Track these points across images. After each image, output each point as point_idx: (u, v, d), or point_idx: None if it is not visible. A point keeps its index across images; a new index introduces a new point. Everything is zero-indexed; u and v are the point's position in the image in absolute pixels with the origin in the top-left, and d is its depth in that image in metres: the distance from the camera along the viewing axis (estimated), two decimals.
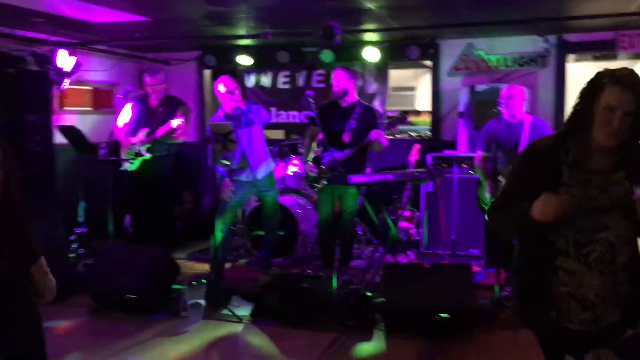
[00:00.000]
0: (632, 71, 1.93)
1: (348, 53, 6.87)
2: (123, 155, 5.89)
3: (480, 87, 6.44)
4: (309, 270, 5.38)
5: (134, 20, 5.42)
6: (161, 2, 4.84)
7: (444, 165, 6.12)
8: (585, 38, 6.35)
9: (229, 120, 5.05)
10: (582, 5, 5.02)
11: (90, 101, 7.05)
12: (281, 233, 5.72)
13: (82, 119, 6.77)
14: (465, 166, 6.14)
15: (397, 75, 8.86)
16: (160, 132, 5.57)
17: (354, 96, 5.23)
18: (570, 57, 6.63)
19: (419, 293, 4.25)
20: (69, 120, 6.52)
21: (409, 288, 4.28)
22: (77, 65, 6.01)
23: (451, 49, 6.76)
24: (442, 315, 4.11)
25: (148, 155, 5.76)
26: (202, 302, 4.54)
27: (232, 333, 4.30)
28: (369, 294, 4.47)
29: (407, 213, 6.22)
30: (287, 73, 7.45)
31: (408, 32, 6.06)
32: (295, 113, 7.42)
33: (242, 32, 5.72)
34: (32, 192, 5.01)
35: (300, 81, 7.38)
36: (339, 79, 5.13)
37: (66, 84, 6.07)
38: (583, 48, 6.54)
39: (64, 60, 5.86)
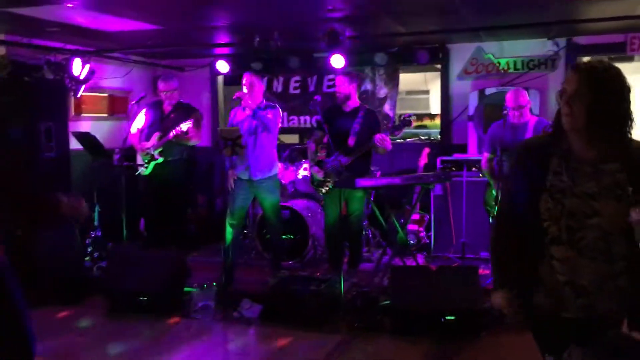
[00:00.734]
0: (601, 62, 1.95)
1: (358, 58, 6.93)
2: (139, 160, 6.01)
3: (490, 91, 6.46)
4: (318, 273, 5.44)
5: (147, 28, 5.54)
6: (174, 11, 4.95)
7: (453, 168, 6.14)
8: (595, 40, 6.34)
9: (239, 124, 5.16)
10: (591, 8, 5.03)
11: (105, 107, 7.19)
12: (291, 237, 5.79)
13: (98, 125, 6.92)
14: (475, 169, 6.15)
15: (410, 79, 8.91)
16: (172, 135, 5.68)
17: (355, 100, 5.31)
18: (583, 60, 6.61)
19: (426, 296, 4.29)
20: (84, 126, 6.67)
21: (416, 291, 4.32)
22: (92, 73, 6.15)
23: (461, 53, 6.79)
24: (448, 317, 4.15)
25: (161, 159, 5.87)
26: (212, 304, 4.62)
27: (242, 335, 4.37)
28: (376, 296, 4.52)
29: (416, 216, 6.25)
30: (298, 78, 7.53)
31: (417, 36, 6.10)
32: (307, 117, 7.50)
33: (252, 39, 5.80)
34: None
35: (311, 86, 7.45)
36: (340, 85, 5.23)
37: (81, 91, 6.21)
38: (593, 50, 6.52)
39: (79, 68, 6.01)
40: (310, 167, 5.50)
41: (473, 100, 6.53)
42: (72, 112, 6.50)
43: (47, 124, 5.34)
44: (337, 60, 6.84)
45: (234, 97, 5.11)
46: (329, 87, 7.34)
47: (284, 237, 5.78)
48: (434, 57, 6.77)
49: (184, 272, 5.05)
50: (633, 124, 1.96)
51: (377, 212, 5.35)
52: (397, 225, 5.15)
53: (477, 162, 6.13)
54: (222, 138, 4.85)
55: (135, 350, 4.12)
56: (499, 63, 6.61)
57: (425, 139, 8.18)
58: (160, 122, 5.97)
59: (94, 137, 5.97)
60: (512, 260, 2.12)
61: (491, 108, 6.21)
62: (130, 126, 6.17)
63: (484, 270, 5.43)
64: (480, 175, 6.02)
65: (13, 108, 5.20)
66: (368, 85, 7.24)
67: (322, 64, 7.09)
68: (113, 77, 7.12)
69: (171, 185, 6.04)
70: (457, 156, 6.35)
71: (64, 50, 6.17)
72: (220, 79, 7.94)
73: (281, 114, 5.58)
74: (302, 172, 6.45)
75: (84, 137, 5.99)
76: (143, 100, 6.04)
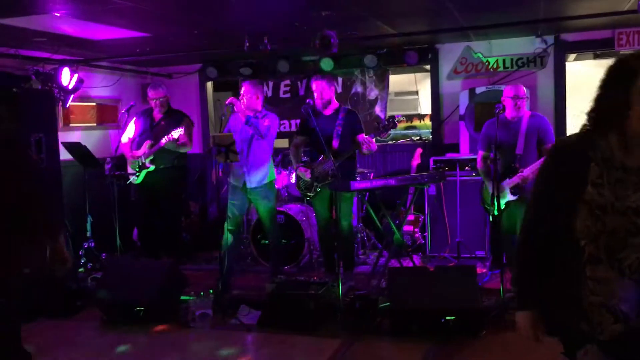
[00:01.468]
0: None
1: (348, 60, 6.95)
2: (129, 169, 5.97)
3: (480, 90, 6.48)
4: (315, 277, 5.42)
5: (135, 36, 5.51)
6: (161, 18, 4.91)
7: (446, 168, 6.15)
8: (583, 37, 6.39)
9: (234, 132, 5.13)
10: (578, 5, 5.06)
11: (94, 117, 7.14)
12: (284, 241, 5.77)
13: (87, 135, 6.87)
14: (468, 169, 6.17)
15: (400, 80, 8.92)
16: (163, 142, 5.64)
17: (335, 102, 5.31)
18: (570, 56, 6.66)
19: (425, 296, 4.28)
20: (73, 136, 6.61)
21: (414, 292, 4.31)
22: (81, 82, 6.11)
23: (450, 53, 6.81)
24: (448, 317, 4.14)
25: (152, 167, 5.83)
26: (210, 312, 4.58)
27: (241, 342, 4.34)
28: (374, 298, 4.50)
29: (411, 217, 6.26)
30: (288, 82, 7.52)
31: (406, 37, 6.11)
32: (298, 121, 7.47)
33: (241, 44, 5.78)
34: None
35: (301, 90, 7.44)
36: (322, 90, 5.19)
37: (70, 101, 6.17)
38: (581, 47, 6.59)
39: (68, 78, 5.96)
40: (296, 168, 5.46)
41: (464, 100, 6.55)
42: (61, 122, 6.44)
43: (37, 135, 5.28)
44: (327, 64, 6.87)
45: (227, 102, 5.08)
46: None
47: (267, 242, 5.72)
48: (423, 57, 6.79)
49: (180, 281, 5.02)
50: None
51: (373, 214, 5.34)
52: (393, 227, 5.14)
53: (470, 162, 6.15)
54: (215, 145, 4.82)
55: None
56: (488, 62, 6.63)
57: (417, 140, 8.20)
58: (151, 130, 5.94)
59: (84, 147, 5.93)
60: (536, 279, 1.97)
61: (482, 107, 6.23)
62: (121, 135, 6.12)
63: (480, 269, 5.44)
64: (474, 174, 6.04)
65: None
66: (358, 88, 7.24)
67: (311, 67, 7.10)
68: (101, 86, 7.08)
69: (163, 193, 6.01)
70: (449, 156, 6.36)
71: (52, 60, 6.12)
72: (209, 85, 7.92)
73: (279, 122, 5.55)
74: (295, 177, 6.42)
75: (74, 148, 5.94)
76: (133, 108, 6.01)
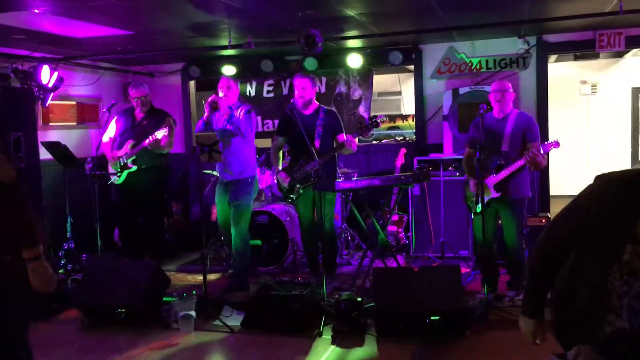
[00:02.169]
0: None
1: (331, 60, 6.93)
2: (110, 169, 5.89)
3: (464, 90, 6.50)
4: (299, 278, 5.39)
5: (117, 34, 5.43)
6: (143, 15, 4.85)
7: (430, 168, 6.16)
8: (565, 38, 6.46)
9: (209, 128, 5.10)
10: (560, 7, 5.10)
11: (74, 116, 7.03)
12: (259, 242, 5.76)
13: (67, 134, 6.76)
14: (451, 169, 6.19)
15: (382, 80, 8.94)
16: (146, 143, 5.57)
17: (315, 102, 5.29)
18: (551, 57, 6.72)
19: (410, 297, 4.27)
20: (54, 135, 6.51)
21: (399, 292, 4.30)
22: (61, 81, 6.01)
23: (433, 53, 6.83)
24: (433, 317, 4.14)
25: (134, 168, 5.76)
26: (193, 313, 4.53)
27: (224, 343, 4.29)
28: (359, 299, 4.49)
29: (395, 217, 6.26)
30: (272, 82, 7.48)
31: (390, 37, 6.11)
32: None
33: (225, 42, 5.73)
34: None
35: (285, 89, 7.41)
36: (305, 88, 5.15)
37: (49, 99, 6.06)
38: (563, 48, 6.65)
39: (48, 76, 5.86)
40: (276, 173, 5.42)
41: (447, 100, 6.58)
42: (41, 121, 6.33)
43: (16, 134, 5.18)
44: (311, 63, 6.85)
45: (209, 100, 5.03)
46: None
47: (253, 242, 5.64)
48: (407, 57, 6.80)
49: (162, 282, 4.95)
50: None
51: (357, 214, 5.32)
52: (378, 227, 5.13)
53: (453, 162, 6.17)
54: (198, 144, 4.77)
55: None
56: (472, 62, 6.66)
57: (401, 140, 8.21)
58: (132, 130, 5.86)
59: (64, 147, 5.83)
60: (546, 290, 1.97)
61: (465, 107, 6.26)
62: (102, 134, 6.03)
63: (464, 269, 5.46)
64: (458, 174, 6.06)
65: None
66: (342, 88, 7.23)
67: (295, 67, 7.07)
68: (82, 85, 6.98)
69: (145, 193, 5.93)
70: (433, 156, 6.38)
71: (31, 57, 6.02)
72: (192, 84, 7.85)
73: (255, 117, 5.53)
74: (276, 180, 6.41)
75: (54, 147, 5.84)
76: (114, 107, 5.93)
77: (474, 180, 4.72)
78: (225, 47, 5.75)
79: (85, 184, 5.72)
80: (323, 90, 7.23)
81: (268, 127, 7.49)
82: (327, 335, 4.28)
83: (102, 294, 4.68)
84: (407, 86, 9.04)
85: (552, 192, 6.81)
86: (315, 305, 4.52)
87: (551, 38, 6.50)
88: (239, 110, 5.19)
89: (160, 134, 5.48)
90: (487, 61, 6.62)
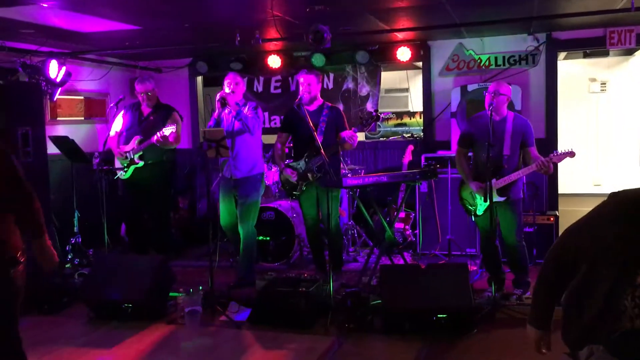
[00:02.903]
0: None
1: (339, 56, 6.90)
2: (117, 164, 5.89)
3: (472, 87, 6.46)
4: (305, 274, 5.38)
5: (124, 29, 5.42)
6: (151, 11, 4.84)
7: (437, 165, 6.13)
8: (575, 35, 6.40)
9: (220, 126, 5.10)
10: (570, 3, 5.05)
11: (82, 111, 7.04)
12: (267, 238, 5.73)
13: (75, 129, 6.77)
14: None
15: (390, 77, 8.89)
16: (154, 139, 5.57)
17: (319, 99, 5.29)
18: (560, 54, 6.66)
19: (416, 294, 4.26)
20: (61, 130, 6.52)
21: (406, 289, 4.29)
22: (69, 75, 6.02)
23: (442, 50, 6.79)
24: (440, 315, 4.12)
25: (141, 163, 5.76)
26: (200, 309, 4.53)
27: (231, 339, 4.29)
28: (366, 296, 4.47)
29: (402, 214, 6.23)
30: (279, 78, 7.46)
31: (399, 34, 6.08)
32: None
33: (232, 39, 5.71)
34: None
35: (292, 86, 7.39)
36: (311, 84, 5.15)
37: (57, 94, 6.07)
38: (573, 45, 6.59)
39: (56, 70, 5.87)
40: (282, 169, 5.40)
41: (455, 97, 6.53)
42: (48, 116, 6.34)
43: (24, 128, 5.18)
44: (319, 59, 6.82)
45: (218, 97, 5.02)
46: None
47: (260, 238, 5.66)
48: (415, 54, 6.76)
49: (168, 277, 4.95)
50: None
51: (364, 211, 5.30)
52: (385, 224, 5.11)
53: None
54: (206, 140, 4.76)
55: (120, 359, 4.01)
56: (480, 59, 6.62)
57: (408, 137, 8.18)
58: (139, 125, 5.86)
59: (72, 141, 5.84)
60: (554, 300, 1.97)
61: (474, 104, 6.22)
62: (109, 129, 6.04)
63: (471, 267, 5.43)
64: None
65: None
66: (350, 84, 7.20)
67: (303, 63, 7.04)
68: (89, 80, 6.98)
69: (151, 188, 5.93)
70: (441, 153, 6.34)
71: (39, 52, 6.02)
72: (199, 79, 7.84)
73: (262, 114, 5.51)
74: (280, 176, 6.39)
75: (61, 142, 5.85)
76: (121, 102, 5.93)
77: (477, 182, 4.67)
78: (232, 44, 5.73)
79: (92, 178, 5.72)
80: (331, 86, 7.21)
81: (275, 124, 7.47)
82: (333, 332, 4.27)
83: (109, 289, 4.68)
84: (414, 83, 9.00)
85: (560, 191, 6.76)
86: (321, 301, 4.51)
87: (561, 35, 6.45)
88: (247, 107, 5.18)
89: (167, 130, 5.48)
90: (496, 58, 6.58)
